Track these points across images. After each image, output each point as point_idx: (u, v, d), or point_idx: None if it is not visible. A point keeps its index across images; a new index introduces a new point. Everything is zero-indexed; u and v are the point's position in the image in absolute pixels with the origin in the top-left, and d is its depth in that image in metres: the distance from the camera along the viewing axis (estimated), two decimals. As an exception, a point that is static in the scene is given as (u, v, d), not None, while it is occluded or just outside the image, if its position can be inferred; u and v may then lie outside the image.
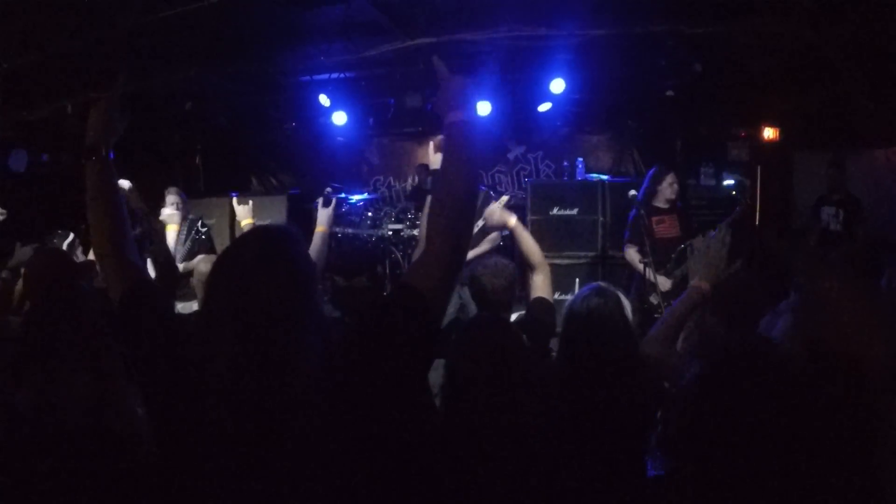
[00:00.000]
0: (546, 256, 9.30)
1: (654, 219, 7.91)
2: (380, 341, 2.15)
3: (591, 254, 9.61)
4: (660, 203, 7.96)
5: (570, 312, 3.73)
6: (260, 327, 2.08)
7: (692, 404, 1.94)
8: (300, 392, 2.07)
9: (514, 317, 4.92)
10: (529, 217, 9.73)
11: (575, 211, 9.69)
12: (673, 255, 7.67)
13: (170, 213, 6.78)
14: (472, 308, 4.79)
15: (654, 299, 7.38)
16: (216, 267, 2.23)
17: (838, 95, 9.20)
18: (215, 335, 2.13)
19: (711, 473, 1.86)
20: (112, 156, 2.68)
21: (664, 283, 7.60)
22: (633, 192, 7.82)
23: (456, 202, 2.34)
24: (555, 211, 9.71)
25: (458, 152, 2.40)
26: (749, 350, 2.08)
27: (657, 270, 7.53)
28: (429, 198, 3.31)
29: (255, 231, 2.39)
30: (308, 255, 2.35)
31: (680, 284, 7.50)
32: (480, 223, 6.72)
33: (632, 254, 7.89)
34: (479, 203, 6.69)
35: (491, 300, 4.66)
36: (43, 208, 9.77)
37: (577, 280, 9.34)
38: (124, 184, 6.12)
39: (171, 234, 6.57)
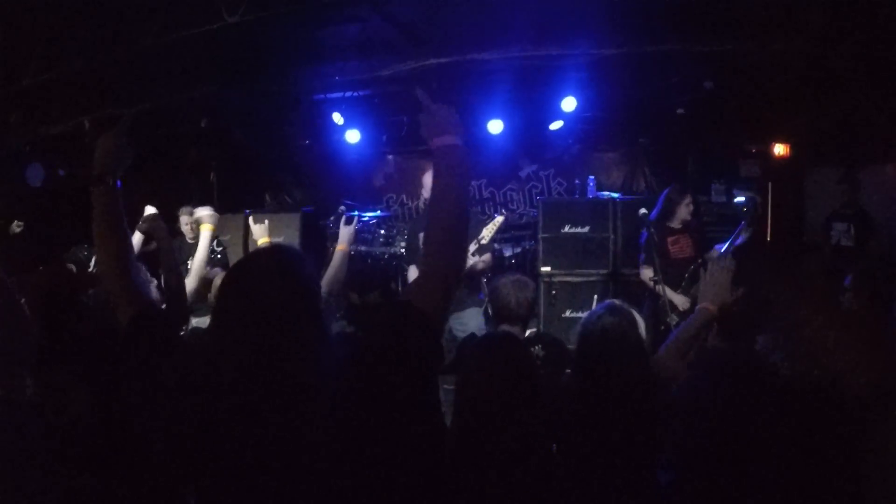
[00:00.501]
0: (557, 274, 9.41)
1: (670, 239, 7.92)
2: (390, 358, 2.20)
3: (602, 271, 9.62)
4: (675, 224, 7.97)
5: (584, 330, 3.77)
6: (268, 341, 2.14)
7: (689, 417, 1.98)
8: (308, 405, 2.11)
9: (528, 332, 4.97)
10: (541, 235, 9.75)
11: (587, 229, 9.70)
12: (687, 275, 7.70)
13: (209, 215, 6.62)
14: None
15: (671, 320, 7.33)
16: (226, 282, 2.30)
17: (849, 111, 9.24)
18: (224, 349, 2.19)
19: (710, 482, 1.89)
20: (119, 185, 2.77)
21: (683, 302, 7.62)
22: (643, 210, 7.84)
23: (448, 224, 2.44)
24: (566, 229, 9.73)
25: (447, 176, 2.50)
26: (744, 365, 2.12)
27: (674, 290, 7.61)
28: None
29: (265, 249, 2.51)
30: (314, 273, 2.39)
31: (696, 303, 7.52)
32: (473, 247, 6.85)
33: (647, 273, 7.87)
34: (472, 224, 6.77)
35: (512, 314, 4.73)
36: (59, 222, 9.85)
37: (595, 297, 9.34)
38: (150, 210, 6.19)
39: (206, 233, 6.46)
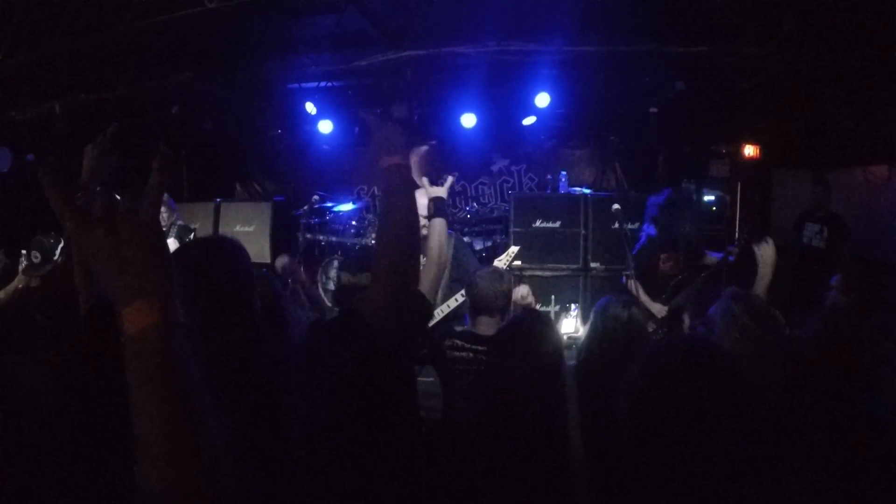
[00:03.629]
0: (528, 268, 9.43)
1: (663, 256, 7.75)
2: (319, 358, 2.30)
3: (572, 266, 9.68)
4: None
5: (610, 315, 3.89)
6: (194, 329, 2.19)
7: (632, 400, 2.00)
8: (220, 382, 2.15)
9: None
10: (512, 229, 9.79)
11: (557, 224, 9.76)
12: (669, 286, 7.62)
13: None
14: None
15: (649, 327, 7.36)
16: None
17: (817, 115, 9.35)
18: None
19: (655, 467, 1.92)
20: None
21: (660, 310, 7.59)
22: (616, 206, 7.87)
23: (398, 237, 2.60)
24: (537, 223, 9.78)
25: (395, 194, 2.66)
26: (683, 346, 2.16)
27: (654, 300, 7.53)
28: (435, 221, 3.51)
29: (201, 239, 2.58)
30: (247, 263, 2.54)
31: (672, 315, 7.57)
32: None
33: (632, 285, 7.69)
34: (454, 248, 6.64)
35: (491, 306, 4.76)
36: (25, 209, 9.77)
37: (550, 295, 9.39)
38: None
39: None
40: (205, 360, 2.18)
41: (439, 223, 3.71)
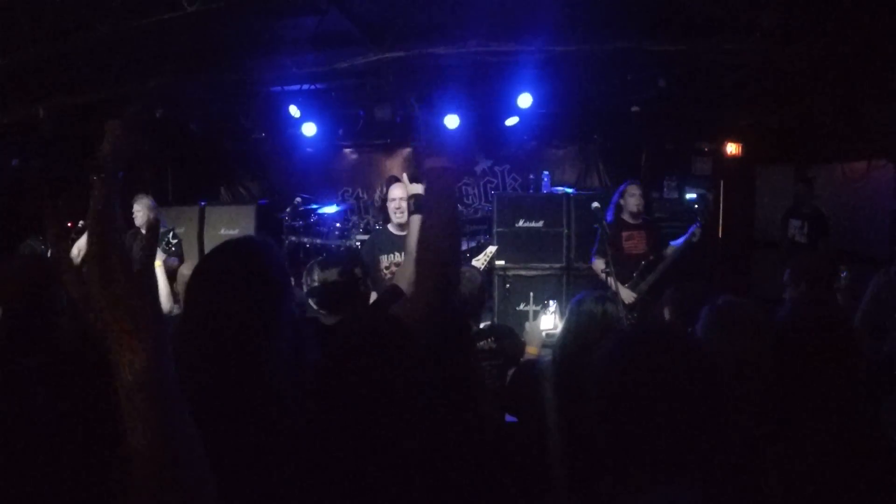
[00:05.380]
0: (511, 267, 9.48)
1: (624, 234, 8.02)
2: (361, 365, 2.26)
3: (556, 265, 9.75)
4: (627, 217, 8.09)
5: (585, 310, 3.94)
6: (231, 332, 2.19)
7: (600, 387, 2.03)
8: (268, 396, 2.17)
9: (483, 325, 5.03)
10: (496, 229, 9.85)
11: (540, 223, 9.82)
12: (635, 274, 7.84)
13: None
14: None
15: (627, 317, 7.43)
16: (195, 274, 2.35)
17: (799, 112, 9.42)
18: (191, 339, 2.23)
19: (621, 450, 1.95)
20: (121, 175, 2.70)
21: (628, 295, 7.74)
22: (595, 203, 7.93)
23: (442, 240, 2.52)
24: (520, 223, 9.84)
25: (437, 199, 2.58)
26: (647, 331, 2.20)
27: (623, 284, 7.68)
28: (414, 218, 3.49)
29: (232, 241, 2.55)
30: (282, 265, 2.44)
31: (645, 299, 7.70)
32: None
33: (599, 265, 7.97)
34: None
35: (468, 306, 4.80)
36: (10, 212, 9.76)
37: (532, 294, 9.43)
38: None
39: None
40: (252, 370, 2.19)
41: (418, 220, 3.73)
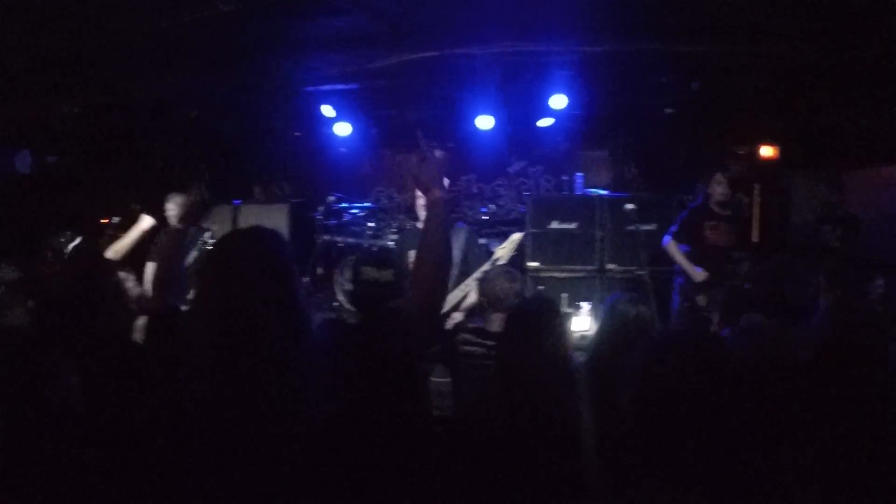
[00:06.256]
0: (544, 269, 9.44)
1: (708, 223, 7.91)
2: (374, 350, 2.36)
3: (588, 267, 9.67)
4: (713, 206, 7.98)
5: (618, 312, 3.93)
6: (238, 317, 2.29)
7: (634, 391, 2.02)
8: (272, 379, 2.27)
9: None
10: (529, 230, 9.79)
11: (574, 225, 9.75)
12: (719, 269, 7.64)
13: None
14: None
15: (700, 301, 7.42)
16: (206, 262, 2.44)
17: (835, 114, 9.30)
18: (200, 324, 2.37)
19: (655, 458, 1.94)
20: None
21: (699, 275, 7.66)
22: (629, 205, 7.89)
23: (434, 262, 2.88)
24: (554, 225, 9.78)
25: (437, 224, 2.95)
26: (682, 341, 2.17)
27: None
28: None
29: (242, 231, 2.73)
30: (288, 253, 2.58)
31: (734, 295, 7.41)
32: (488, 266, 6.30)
33: (672, 247, 7.95)
34: (464, 242, 6.66)
35: (503, 305, 4.81)
36: (46, 210, 9.84)
37: (565, 296, 9.35)
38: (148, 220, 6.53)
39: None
40: (247, 349, 2.25)
41: None
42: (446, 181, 3.84)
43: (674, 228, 8.05)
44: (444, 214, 3.00)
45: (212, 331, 2.29)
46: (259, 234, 2.61)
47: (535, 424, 3.22)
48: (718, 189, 7.89)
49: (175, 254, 3.23)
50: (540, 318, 3.53)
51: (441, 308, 2.98)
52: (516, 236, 6.57)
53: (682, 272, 7.90)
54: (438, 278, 2.92)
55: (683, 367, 1.92)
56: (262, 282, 2.37)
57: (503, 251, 6.38)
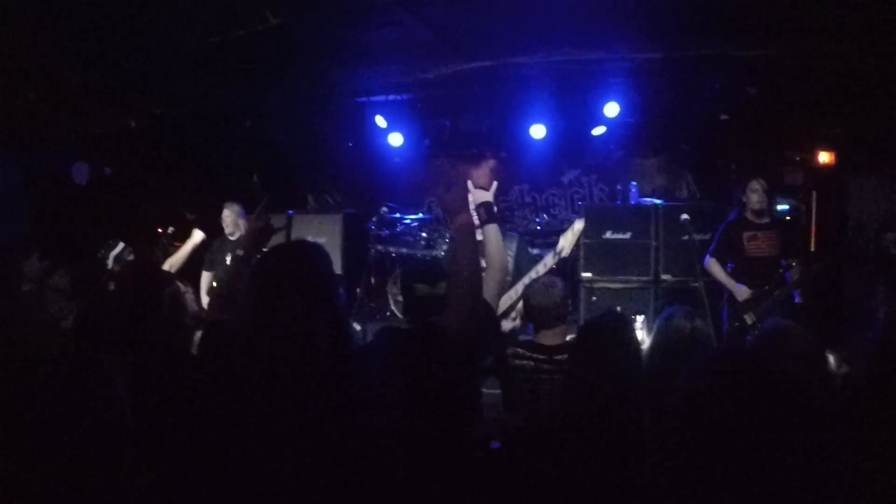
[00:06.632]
0: (598, 280, 9.35)
1: (746, 234, 7.62)
2: (394, 362, 2.41)
3: (643, 278, 9.55)
4: (750, 215, 7.68)
5: (674, 326, 3.89)
6: (280, 329, 2.36)
7: (680, 416, 1.99)
8: (315, 390, 2.32)
9: (570, 337, 4.96)
10: (582, 240, 9.69)
11: (628, 235, 9.65)
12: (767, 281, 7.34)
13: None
14: None
15: (749, 318, 7.21)
16: (252, 273, 2.52)
17: (894, 118, 9.12)
18: (244, 336, 2.46)
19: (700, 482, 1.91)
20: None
21: (743, 292, 7.38)
22: (684, 215, 7.78)
23: (469, 278, 3.05)
24: (608, 234, 9.68)
25: (467, 244, 3.12)
26: (731, 361, 2.13)
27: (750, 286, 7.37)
28: (488, 228, 3.58)
29: (286, 244, 3.00)
30: (328, 264, 2.66)
31: (779, 306, 7.19)
32: (552, 260, 6.19)
33: (713, 265, 7.70)
34: (515, 250, 6.60)
35: (548, 315, 4.76)
36: (103, 220, 10.00)
37: (619, 308, 9.20)
38: (199, 235, 6.79)
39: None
40: (292, 357, 2.30)
41: (492, 229, 3.69)
42: (493, 187, 3.85)
43: (712, 246, 7.81)
44: (471, 237, 3.13)
45: (254, 343, 2.34)
46: (302, 248, 2.70)
47: (604, 441, 3.18)
48: (754, 197, 7.58)
49: (236, 281, 3.36)
50: (614, 332, 3.49)
51: (477, 323, 3.03)
52: (578, 225, 6.35)
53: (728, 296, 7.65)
54: (472, 295, 3.01)
55: (737, 388, 1.90)
56: (304, 295, 2.42)
57: (566, 241, 6.15)
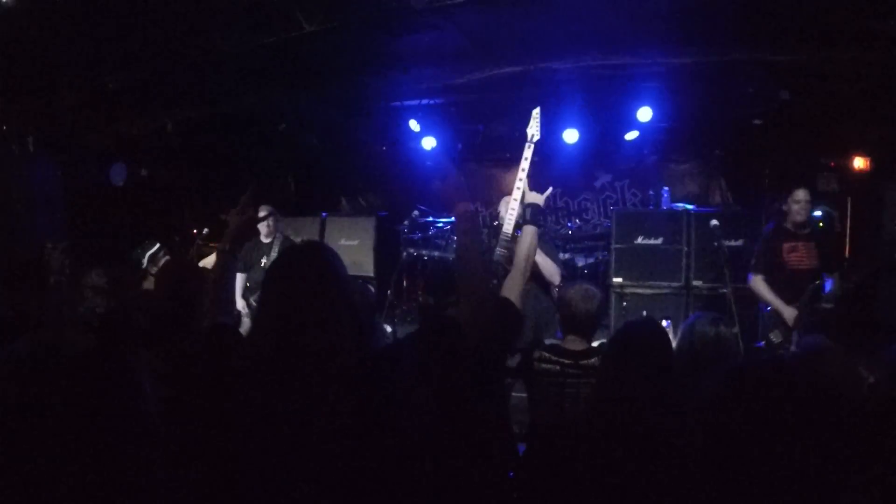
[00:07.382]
0: (629, 285, 9.33)
1: (786, 245, 7.27)
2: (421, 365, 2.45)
3: (674, 284, 9.53)
4: (790, 226, 7.32)
5: (698, 332, 3.91)
6: (296, 326, 2.40)
7: (708, 420, 2.01)
8: (326, 386, 2.34)
9: (596, 343, 4.98)
10: (614, 245, 9.71)
11: (660, 240, 9.63)
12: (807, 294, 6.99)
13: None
14: None
15: (774, 337, 7.01)
16: (267, 275, 2.60)
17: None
18: (260, 333, 2.54)
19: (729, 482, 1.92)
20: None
21: (791, 315, 6.96)
22: (714, 221, 7.75)
23: (475, 267, 2.99)
24: (639, 240, 9.67)
25: (468, 234, 3.07)
26: (758, 369, 2.14)
27: (787, 303, 7.02)
28: (526, 229, 3.62)
29: (302, 245, 3.07)
30: (340, 264, 2.68)
31: (819, 321, 6.78)
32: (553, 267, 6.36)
33: (758, 283, 7.29)
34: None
35: (579, 325, 4.79)
36: (140, 220, 10.12)
37: (649, 313, 9.17)
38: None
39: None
40: (316, 358, 2.35)
41: (530, 231, 3.72)
42: (547, 191, 3.89)
43: (753, 261, 7.46)
44: (470, 223, 3.10)
45: (278, 344, 2.39)
46: (316, 249, 2.78)
47: (633, 446, 3.20)
48: (797, 207, 7.22)
49: (222, 276, 3.29)
50: (649, 340, 3.51)
51: (493, 313, 3.07)
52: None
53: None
54: (481, 283, 2.99)
55: (760, 397, 1.92)
56: (324, 295, 2.47)
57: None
